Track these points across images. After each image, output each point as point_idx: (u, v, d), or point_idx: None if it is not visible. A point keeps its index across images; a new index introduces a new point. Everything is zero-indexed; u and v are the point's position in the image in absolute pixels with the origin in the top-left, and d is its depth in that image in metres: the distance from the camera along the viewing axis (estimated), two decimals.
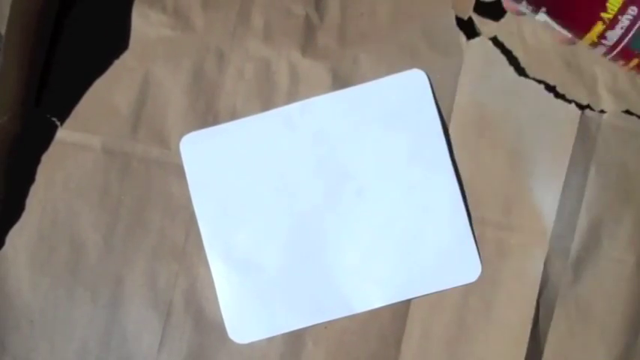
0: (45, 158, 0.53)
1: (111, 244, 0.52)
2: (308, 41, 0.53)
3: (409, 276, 0.52)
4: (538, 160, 0.52)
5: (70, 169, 0.53)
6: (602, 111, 0.52)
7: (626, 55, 0.46)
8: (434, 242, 0.52)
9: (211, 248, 0.52)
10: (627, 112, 0.52)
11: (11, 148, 0.52)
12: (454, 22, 0.52)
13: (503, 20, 0.52)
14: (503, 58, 0.52)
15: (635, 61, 0.46)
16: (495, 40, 0.52)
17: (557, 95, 0.52)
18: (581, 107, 0.52)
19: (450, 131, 0.52)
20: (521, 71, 0.52)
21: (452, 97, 0.52)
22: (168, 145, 0.53)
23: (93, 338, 0.52)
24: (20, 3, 0.47)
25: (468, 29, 0.53)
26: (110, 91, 0.53)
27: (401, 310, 0.52)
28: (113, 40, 0.53)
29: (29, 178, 0.53)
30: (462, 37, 0.52)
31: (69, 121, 0.53)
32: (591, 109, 0.52)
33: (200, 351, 0.52)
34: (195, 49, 0.53)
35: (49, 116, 0.53)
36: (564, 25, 0.47)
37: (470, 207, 0.52)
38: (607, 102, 0.52)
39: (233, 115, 0.53)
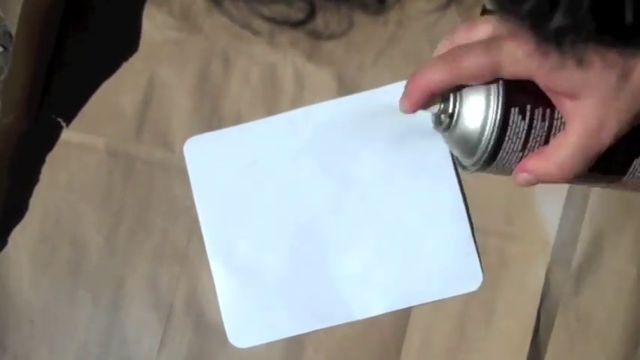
0: (49, 158, 0.53)
1: (113, 245, 0.52)
2: (313, 46, 0.53)
3: (410, 284, 0.52)
4: None
5: (73, 170, 0.53)
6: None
7: None
8: (436, 250, 0.52)
9: (213, 252, 0.52)
10: None
11: (17, 147, 0.52)
12: None
13: None
14: None
15: None
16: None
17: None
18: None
19: None
20: None
21: None
22: (172, 147, 0.53)
23: (93, 339, 0.52)
24: (30, 3, 0.47)
25: None
26: (115, 93, 0.53)
27: (402, 318, 0.52)
28: (122, 42, 0.53)
29: (33, 178, 0.53)
30: None
31: (74, 122, 0.53)
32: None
33: (200, 354, 0.52)
34: (201, 52, 0.53)
35: (54, 117, 0.53)
36: None
37: (472, 216, 0.52)
38: None
39: (237, 119, 0.53)
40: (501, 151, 0.41)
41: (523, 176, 0.41)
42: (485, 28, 0.41)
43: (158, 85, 0.53)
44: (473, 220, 0.52)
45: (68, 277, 0.52)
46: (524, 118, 0.40)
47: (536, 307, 0.51)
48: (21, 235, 0.52)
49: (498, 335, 0.52)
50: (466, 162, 0.43)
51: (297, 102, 0.53)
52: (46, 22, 0.51)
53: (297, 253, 0.52)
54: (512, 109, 0.40)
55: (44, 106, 0.53)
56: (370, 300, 0.52)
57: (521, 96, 0.40)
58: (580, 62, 0.29)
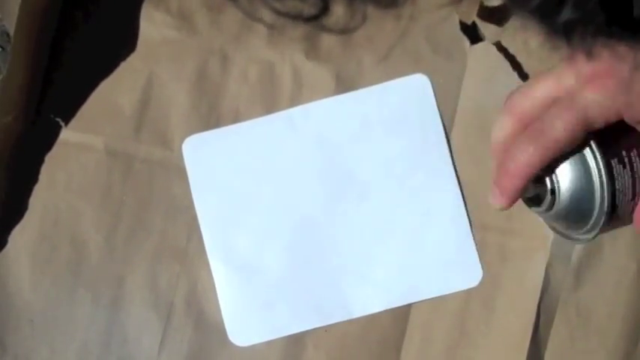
0: (48, 158, 0.53)
1: (112, 244, 0.52)
2: (312, 44, 0.53)
3: (410, 280, 0.52)
4: None
5: (72, 170, 0.53)
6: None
7: None
8: (435, 247, 0.52)
9: (213, 250, 0.52)
10: None
11: (15, 148, 0.52)
12: (458, 26, 0.53)
13: (506, 25, 0.52)
14: (506, 63, 0.52)
15: None
16: (499, 45, 0.52)
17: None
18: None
19: (453, 136, 0.52)
20: (524, 76, 0.52)
21: (455, 101, 0.53)
22: (171, 146, 0.53)
23: (93, 339, 0.52)
24: (28, 3, 0.48)
25: (472, 34, 0.53)
26: (114, 92, 0.53)
27: (402, 315, 0.52)
28: (121, 41, 0.53)
29: (32, 178, 0.53)
30: (466, 41, 0.53)
31: (72, 122, 0.53)
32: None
33: (200, 353, 0.52)
34: (199, 51, 0.53)
35: (52, 116, 0.53)
36: None
37: (471, 212, 0.52)
38: None
39: (236, 118, 0.53)
40: (616, 210, 0.39)
41: None
42: (543, 86, 0.39)
43: (156, 84, 0.53)
44: (472, 216, 0.52)
45: (68, 277, 0.52)
46: (625, 166, 0.38)
47: (536, 302, 0.51)
48: (20, 235, 0.52)
49: (498, 331, 0.51)
50: (577, 234, 0.41)
51: (295, 100, 0.53)
52: (43, 22, 0.51)
53: (296, 251, 0.52)
54: (613, 162, 0.38)
55: (43, 106, 0.53)
56: (370, 297, 0.52)
57: (613, 144, 0.38)
58: (589, 55, 0.29)
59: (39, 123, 0.53)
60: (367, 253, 0.52)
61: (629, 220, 0.40)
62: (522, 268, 0.52)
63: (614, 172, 0.38)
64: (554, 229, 0.42)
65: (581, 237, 0.41)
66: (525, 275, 0.51)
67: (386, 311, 0.52)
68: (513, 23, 0.52)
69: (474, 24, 0.52)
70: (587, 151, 0.38)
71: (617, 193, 0.38)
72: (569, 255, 0.51)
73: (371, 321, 0.52)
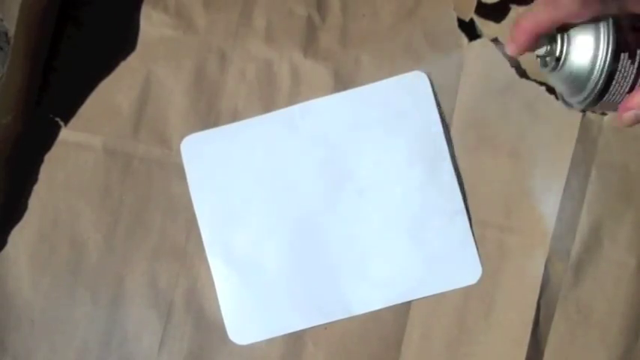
0: (47, 158, 0.53)
1: (112, 244, 0.53)
2: (310, 42, 0.53)
3: (410, 278, 0.52)
4: (539, 161, 0.52)
5: (71, 169, 0.53)
6: (603, 113, 0.52)
7: None
8: (434, 244, 0.52)
9: (211, 249, 0.52)
10: None
11: (15, 148, 0.52)
12: (456, 23, 0.53)
13: (504, 22, 0.52)
14: (504, 60, 0.52)
15: None
16: (497, 42, 0.52)
17: (558, 97, 0.52)
18: (583, 110, 0.52)
19: (451, 133, 0.52)
20: (522, 73, 0.52)
21: (453, 98, 0.53)
22: (169, 145, 0.53)
23: (93, 338, 0.52)
24: (28, 3, 0.48)
25: (470, 31, 0.53)
26: (112, 91, 0.53)
27: (401, 312, 0.52)
28: (119, 41, 0.53)
29: (31, 178, 0.53)
30: (464, 38, 0.53)
31: (71, 121, 0.53)
32: (592, 111, 0.52)
33: (200, 352, 0.52)
34: (197, 50, 0.53)
35: (52, 116, 0.53)
36: None
37: (470, 209, 0.52)
38: None
39: (234, 116, 0.53)
40: (608, 94, 0.41)
41: (629, 115, 0.41)
42: None
43: (154, 83, 0.53)
44: (471, 212, 0.52)
45: (68, 276, 0.52)
46: (633, 63, 0.40)
47: (536, 298, 0.51)
48: (20, 234, 0.53)
49: (498, 327, 0.51)
50: (572, 100, 0.43)
51: (294, 98, 0.53)
52: (43, 23, 0.51)
53: (295, 248, 0.52)
54: (623, 55, 0.40)
55: (41, 106, 0.53)
56: (370, 295, 0.52)
57: (632, 37, 0.40)
58: None
59: (38, 123, 0.53)
60: (366, 250, 0.52)
61: (616, 109, 0.42)
62: (522, 265, 0.52)
63: (620, 64, 0.40)
64: (559, 92, 0.45)
65: (574, 104, 0.43)
66: (525, 272, 0.51)
67: (386, 308, 0.52)
68: (511, 20, 0.52)
69: (471, 21, 0.52)
70: (602, 33, 0.40)
71: (614, 77, 0.40)
72: (569, 251, 0.51)
73: (371, 318, 0.52)
